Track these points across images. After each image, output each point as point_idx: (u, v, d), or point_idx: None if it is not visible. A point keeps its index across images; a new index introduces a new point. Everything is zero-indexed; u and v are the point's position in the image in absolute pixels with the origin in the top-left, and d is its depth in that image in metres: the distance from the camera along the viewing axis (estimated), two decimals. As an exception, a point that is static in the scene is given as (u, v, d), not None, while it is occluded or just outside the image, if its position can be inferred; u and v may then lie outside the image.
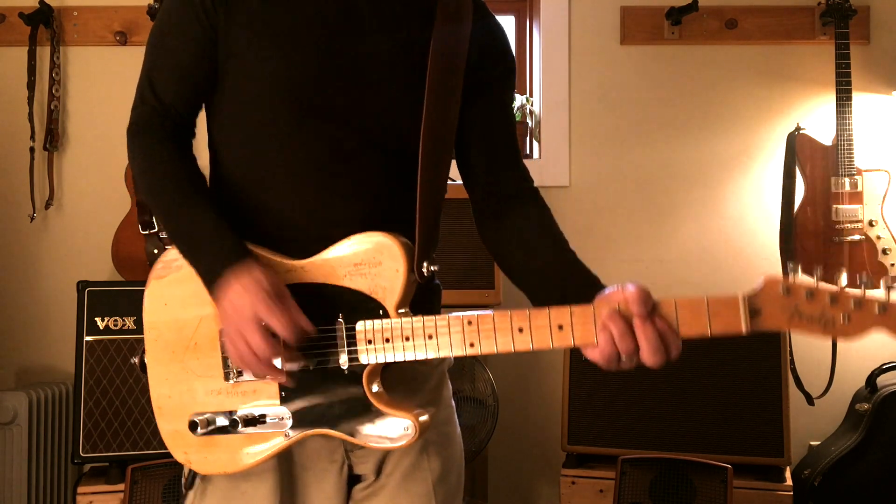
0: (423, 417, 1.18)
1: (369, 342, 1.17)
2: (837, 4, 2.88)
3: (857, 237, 2.82)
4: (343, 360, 1.18)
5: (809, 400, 2.87)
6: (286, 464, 1.29)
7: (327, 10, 1.25)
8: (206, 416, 1.23)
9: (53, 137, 3.02)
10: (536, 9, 3.23)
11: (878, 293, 1.00)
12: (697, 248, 3.07)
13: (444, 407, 1.36)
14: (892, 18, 3.07)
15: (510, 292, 2.80)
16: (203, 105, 1.33)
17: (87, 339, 2.51)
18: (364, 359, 1.17)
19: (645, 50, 3.12)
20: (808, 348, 2.98)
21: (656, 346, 1.06)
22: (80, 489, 2.48)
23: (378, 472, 1.29)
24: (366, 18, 1.26)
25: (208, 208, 1.23)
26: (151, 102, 1.29)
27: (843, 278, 1.01)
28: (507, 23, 3.38)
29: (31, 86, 3.00)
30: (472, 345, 1.14)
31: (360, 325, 1.17)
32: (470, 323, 1.13)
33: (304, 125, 1.23)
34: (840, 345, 2.93)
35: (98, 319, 2.51)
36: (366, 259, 1.18)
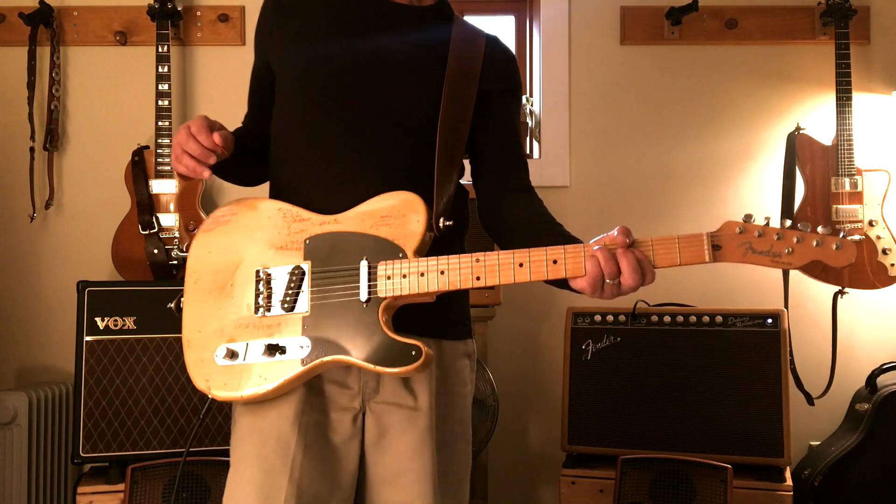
0: (429, 349, 1.31)
1: (388, 278, 1.33)
2: (837, 4, 2.88)
3: (856, 237, 2.82)
4: (363, 294, 1.33)
5: (809, 400, 2.87)
6: (308, 407, 1.41)
7: (356, 13, 1.50)
8: (233, 345, 1.37)
9: (53, 137, 3.02)
10: (536, 9, 3.23)
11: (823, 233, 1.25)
12: (697, 248, 3.06)
13: (460, 401, 1.54)
14: (892, 18, 3.07)
15: (509, 293, 2.81)
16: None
17: (87, 339, 2.51)
18: (382, 291, 1.33)
19: (645, 50, 3.12)
20: (808, 348, 2.98)
21: (635, 268, 1.28)
22: (80, 489, 2.48)
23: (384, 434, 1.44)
24: (390, 22, 1.50)
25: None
26: (245, 123, 1.65)
27: (842, 210, 1.23)
28: (507, 23, 3.38)
29: (31, 86, 3.00)
30: (478, 278, 1.31)
31: (381, 265, 1.34)
32: (477, 260, 1.32)
33: (336, 109, 1.46)
34: (840, 345, 2.94)
35: (98, 319, 2.51)
36: (392, 212, 1.37)
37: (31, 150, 2.99)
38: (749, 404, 2.48)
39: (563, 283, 1.34)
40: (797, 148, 2.92)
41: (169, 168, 2.85)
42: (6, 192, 3.05)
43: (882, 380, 2.76)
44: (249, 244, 1.41)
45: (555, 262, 1.30)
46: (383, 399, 1.45)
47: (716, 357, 2.53)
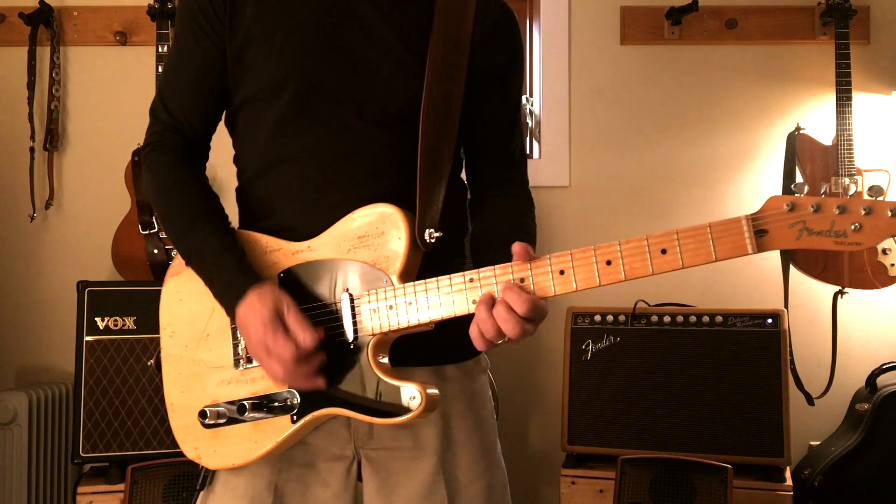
0: (432, 390, 1.15)
1: (373, 311, 1.16)
2: (837, 4, 2.88)
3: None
4: (349, 333, 1.18)
5: (809, 400, 2.87)
6: (286, 463, 1.28)
7: (319, 2, 1.28)
8: (216, 406, 1.24)
9: (53, 137, 3.02)
10: (536, 9, 3.23)
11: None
12: (697, 248, 3.06)
13: (479, 430, 1.34)
14: (892, 18, 3.07)
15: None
16: (221, 118, 1.37)
17: (87, 339, 2.51)
18: (368, 328, 1.16)
19: (645, 50, 3.12)
20: (808, 348, 2.98)
21: (505, 318, 1.07)
22: (80, 489, 2.48)
23: (387, 477, 1.28)
24: (361, 4, 1.27)
25: (212, 233, 1.25)
26: (164, 119, 1.33)
27: (840, 195, 1.02)
28: (507, 23, 3.37)
29: (31, 86, 3.00)
30: (474, 301, 1.12)
31: (364, 296, 1.17)
32: (471, 280, 1.12)
33: (303, 110, 1.26)
34: (840, 345, 2.93)
35: (98, 319, 2.51)
36: (369, 230, 1.18)
37: (31, 150, 2.99)
38: (749, 404, 2.48)
39: None
40: (797, 148, 2.91)
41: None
42: (6, 192, 3.04)
43: (882, 380, 2.76)
44: None
45: (561, 272, 1.10)
46: (380, 444, 1.28)
47: (716, 357, 2.53)
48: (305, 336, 1.15)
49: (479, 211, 1.37)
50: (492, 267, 1.11)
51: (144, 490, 2.33)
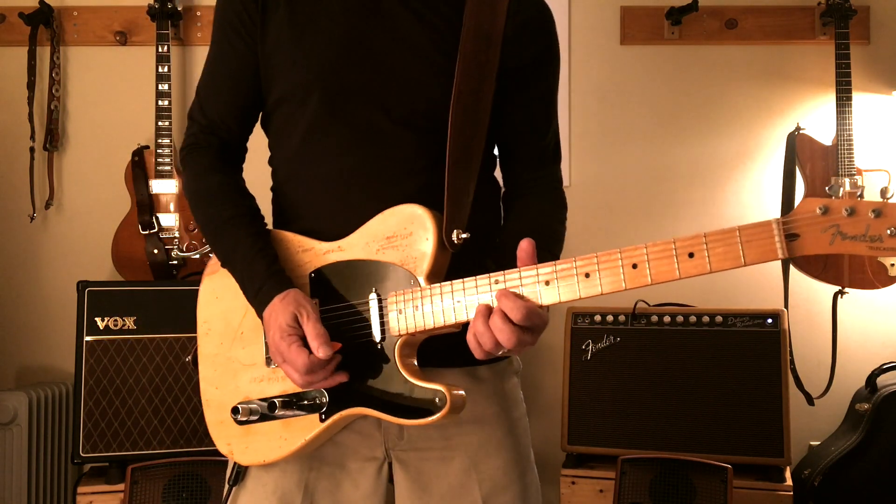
0: (458, 391, 1.14)
1: (400, 312, 1.16)
2: (837, 4, 2.88)
3: (857, 237, 2.82)
4: (376, 334, 1.18)
5: (809, 400, 2.87)
6: (317, 461, 1.29)
7: (348, 1, 1.28)
8: (248, 403, 1.26)
9: (53, 137, 3.02)
10: (536, 9, 3.22)
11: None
12: (697, 248, 3.06)
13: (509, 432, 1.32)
14: (892, 18, 3.07)
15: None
16: (257, 120, 1.38)
17: (87, 339, 2.51)
18: (395, 329, 1.17)
19: (645, 50, 3.12)
20: (808, 348, 2.98)
21: (500, 328, 1.06)
22: (80, 489, 2.48)
23: (418, 477, 1.28)
24: (390, 2, 1.27)
25: (245, 236, 1.26)
26: (200, 121, 1.36)
27: (891, 194, 0.98)
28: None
29: (31, 86, 3.00)
30: None
31: (391, 296, 1.17)
32: (497, 281, 1.10)
33: (331, 112, 1.26)
34: (840, 345, 2.93)
35: (98, 319, 2.51)
36: (397, 231, 1.19)
37: (31, 150, 2.99)
38: (749, 404, 2.48)
39: None
40: (797, 148, 2.91)
41: (169, 168, 2.85)
42: (6, 192, 3.05)
43: (882, 380, 2.76)
44: None
45: (587, 275, 1.07)
46: (411, 446, 1.28)
47: (716, 357, 2.53)
48: (320, 349, 1.15)
49: (508, 209, 1.36)
50: (518, 269, 1.10)
51: (144, 490, 2.33)
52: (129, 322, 2.52)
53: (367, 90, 1.25)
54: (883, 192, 0.96)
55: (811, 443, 2.96)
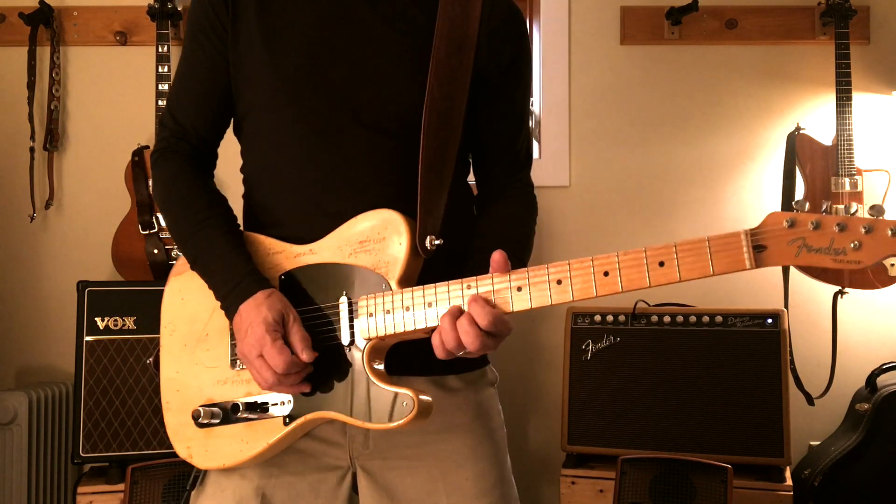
0: (426, 397, 1.14)
1: (370, 315, 1.16)
2: (837, 4, 2.88)
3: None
4: (345, 337, 1.17)
5: (809, 400, 2.87)
6: (276, 469, 1.26)
7: (321, 4, 1.28)
8: (210, 405, 1.24)
9: (53, 137, 3.02)
10: (536, 9, 3.23)
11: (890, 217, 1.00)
12: (697, 248, 3.05)
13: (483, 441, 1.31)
14: (892, 18, 3.07)
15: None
16: (228, 125, 1.38)
17: (87, 339, 2.51)
18: (364, 332, 1.16)
19: (645, 50, 3.12)
20: (808, 348, 2.98)
21: (467, 331, 1.08)
22: (80, 489, 2.48)
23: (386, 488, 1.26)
24: (360, 6, 1.26)
25: (220, 235, 1.25)
26: (170, 126, 1.35)
27: (841, 210, 1.03)
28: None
29: (31, 86, 3.00)
30: None
31: (361, 300, 1.16)
32: (469, 287, 1.11)
33: (302, 117, 1.25)
34: (840, 345, 2.93)
35: (98, 319, 2.51)
36: (370, 235, 1.18)
37: (31, 150, 2.99)
38: (749, 404, 2.48)
39: None
40: (797, 148, 2.91)
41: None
42: (6, 192, 3.04)
43: (882, 380, 2.76)
44: None
45: (559, 282, 1.09)
46: (377, 454, 1.26)
47: (716, 357, 2.53)
48: (304, 351, 1.15)
49: (480, 214, 1.36)
50: (490, 274, 1.10)
51: (144, 490, 2.33)
52: (129, 322, 2.52)
53: (338, 95, 1.24)
54: (847, 209, 0.98)
55: (811, 443, 2.96)
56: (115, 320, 2.52)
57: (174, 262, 2.78)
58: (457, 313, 1.09)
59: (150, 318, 2.53)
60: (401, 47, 1.26)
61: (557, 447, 2.64)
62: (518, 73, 1.35)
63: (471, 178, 1.40)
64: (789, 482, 2.46)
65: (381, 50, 1.25)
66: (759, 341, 2.50)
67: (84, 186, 3.07)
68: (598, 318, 2.63)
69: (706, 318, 2.55)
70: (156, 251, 2.80)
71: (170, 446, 2.59)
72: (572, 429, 2.60)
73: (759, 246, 1.01)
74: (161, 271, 2.81)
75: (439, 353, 1.12)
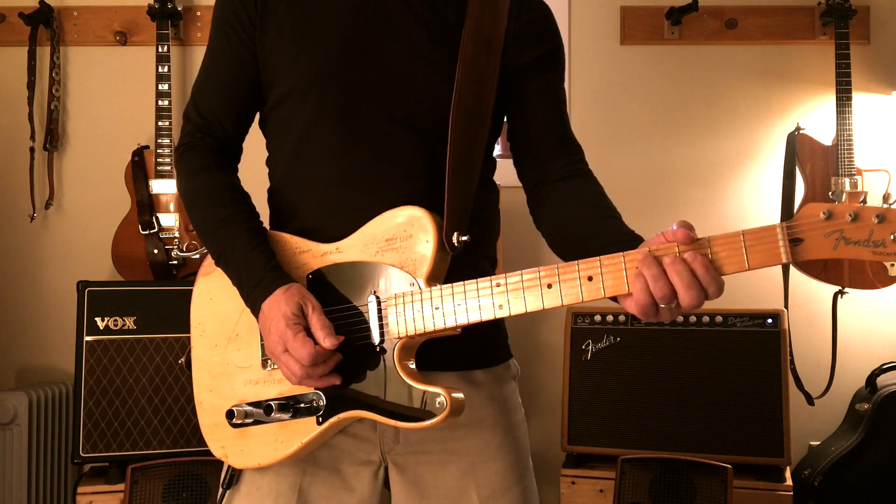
0: (458, 395, 1.13)
1: (399, 314, 1.15)
2: (837, 4, 2.88)
3: (857, 237, 2.81)
4: (375, 336, 1.17)
5: (809, 400, 2.87)
6: (312, 465, 1.27)
7: (350, 1, 1.27)
8: (243, 405, 1.24)
9: (53, 137, 3.02)
10: (536, 9, 3.22)
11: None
12: (697, 248, 3.06)
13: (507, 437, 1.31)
14: (892, 18, 3.07)
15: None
16: (253, 120, 1.36)
17: (87, 339, 2.51)
18: (394, 331, 1.16)
19: (645, 50, 3.12)
20: (808, 348, 2.98)
21: (689, 283, 1.00)
22: (80, 489, 2.48)
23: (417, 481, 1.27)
24: (391, 3, 1.26)
25: (242, 232, 1.25)
26: (194, 120, 1.34)
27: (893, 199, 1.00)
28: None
29: (31, 86, 3.00)
30: (500, 307, 1.10)
31: (390, 299, 1.16)
32: (498, 284, 1.10)
33: (331, 111, 1.25)
34: (840, 345, 2.93)
35: (98, 319, 2.51)
36: (397, 233, 1.17)
37: (31, 150, 2.99)
38: (749, 404, 2.48)
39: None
40: (797, 148, 2.91)
41: (169, 168, 2.85)
42: (6, 192, 3.05)
43: (882, 380, 2.76)
44: None
45: (590, 278, 1.06)
46: (407, 449, 1.27)
47: (716, 357, 2.53)
48: (326, 339, 1.14)
49: (546, 203, 1.31)
50: (519, 272, 1.09)
51: (144, 490, 2.33)
52: (129, 322, 2.52)
53: (367, 90, 1.24)
54: (885, 198, 0.97)
55: (811, 443, 2.96)
56: (116, 320, 2.52)
57: (174, 262, 2.80)
58: (657, 262, 1.03)
59: (150, 318, 2.53)
60: (430, 44, 1.25)
61: (557, 447, 2.64)
62: (551, 66, 1.35)
63: (502, 178, 1.37)
64: (789, 482, 2.46)
65: (411, 46, 1.25)
66: (759, 341, 2.50)
67: (84, 186, 3.07)
68: (598, 318, 2.63)
69: (706, 318, 2.55)
70: (156, 251, 2.80)
71: (170, 446, 2.61)
72: (572, 429, 2.61)
73: (796, 239, 0.97)
74: (161, 271, 2.81)
75: (643, 311, 1.04)
